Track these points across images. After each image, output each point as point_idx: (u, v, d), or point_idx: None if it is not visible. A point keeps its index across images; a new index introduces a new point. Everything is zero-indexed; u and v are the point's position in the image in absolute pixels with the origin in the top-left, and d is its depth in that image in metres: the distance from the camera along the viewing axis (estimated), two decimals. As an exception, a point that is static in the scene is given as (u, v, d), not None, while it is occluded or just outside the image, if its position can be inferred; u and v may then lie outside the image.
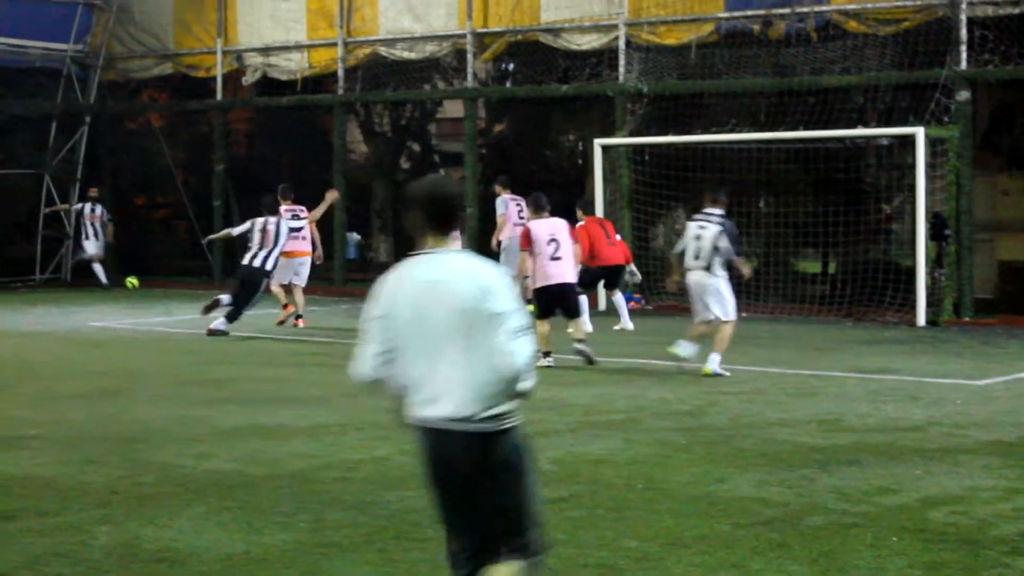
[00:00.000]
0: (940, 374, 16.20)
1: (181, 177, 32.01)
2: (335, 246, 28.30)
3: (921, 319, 21.96)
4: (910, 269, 22.55)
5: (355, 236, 31.05)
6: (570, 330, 17.28)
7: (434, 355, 5.86)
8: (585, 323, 18.21)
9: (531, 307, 16.65)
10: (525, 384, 5.92)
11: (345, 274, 29.05)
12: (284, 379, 15.88)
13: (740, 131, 24.66)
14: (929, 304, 22.13)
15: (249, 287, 20.78)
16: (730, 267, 16.17)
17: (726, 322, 16.03)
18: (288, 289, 22.12)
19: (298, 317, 21.94)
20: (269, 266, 20.93)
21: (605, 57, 26.63)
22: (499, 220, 24.23)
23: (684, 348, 16.11)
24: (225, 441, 11.74)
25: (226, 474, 10.30)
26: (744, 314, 23.76)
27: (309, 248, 22.57)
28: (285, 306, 22.06)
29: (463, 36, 27.76)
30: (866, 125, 24.04)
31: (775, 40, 24.93)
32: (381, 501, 9.37)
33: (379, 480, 10.09)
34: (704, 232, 16.01)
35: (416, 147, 31.66)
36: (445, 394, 5.84)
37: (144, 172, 32.62)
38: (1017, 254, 24.91)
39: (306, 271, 22.51)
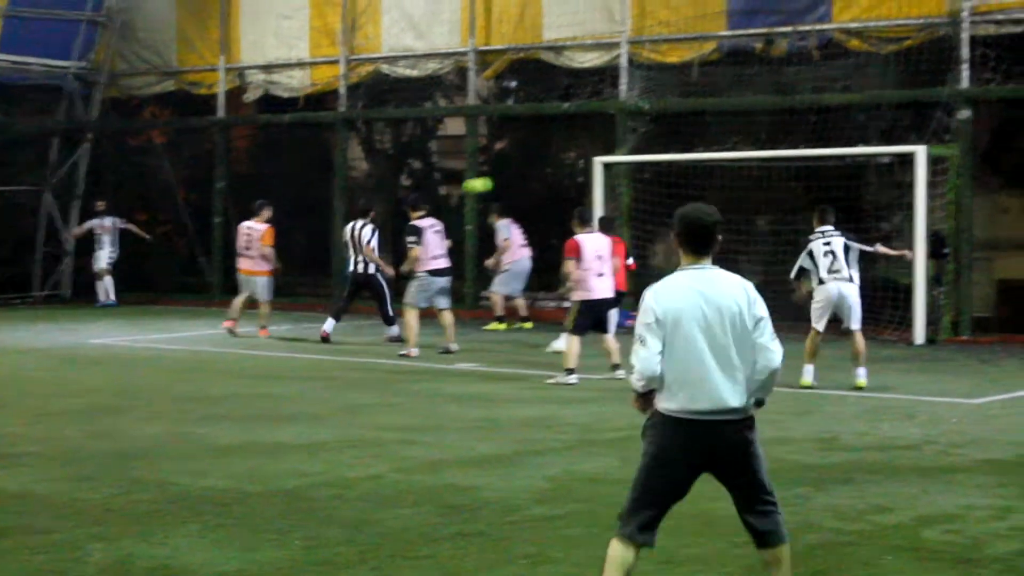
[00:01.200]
0: (937, 392, 16.22)
1: (183, 194, 32.02)
2: (333, 265, 28.33)
3: (919, 337, 21.95)
4: (909, 287, 22.54)
5: None
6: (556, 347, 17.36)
7: (709, 354, 6.71)
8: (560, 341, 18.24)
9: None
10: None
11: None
12: (281, 396, 15.88)
13: (741, 149, 24.69)
14: (928, 322, 22.13)
15: None
16: None
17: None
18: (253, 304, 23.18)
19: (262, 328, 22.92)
20: None
21: (607, 75, 26.66)
22: (503, 244, 24.35)
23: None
24: (221, 459, 11.73)
25: (221, 492, 10.29)
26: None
27: (256, 267, 23.14)
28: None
29: (465, 54, 27.80)
30: (867, 143, 24.06)
31: (777, 58, 24.97)
32: (376, 519, 9.37)
33: (374, 498, 10.08)
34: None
35: (417, 164, 31.64)
36: (721, 388, 6.70)
37: (146, 189, 32.65)
38: (1016, 272, 24.88)
39: (259, 287, 23.17)
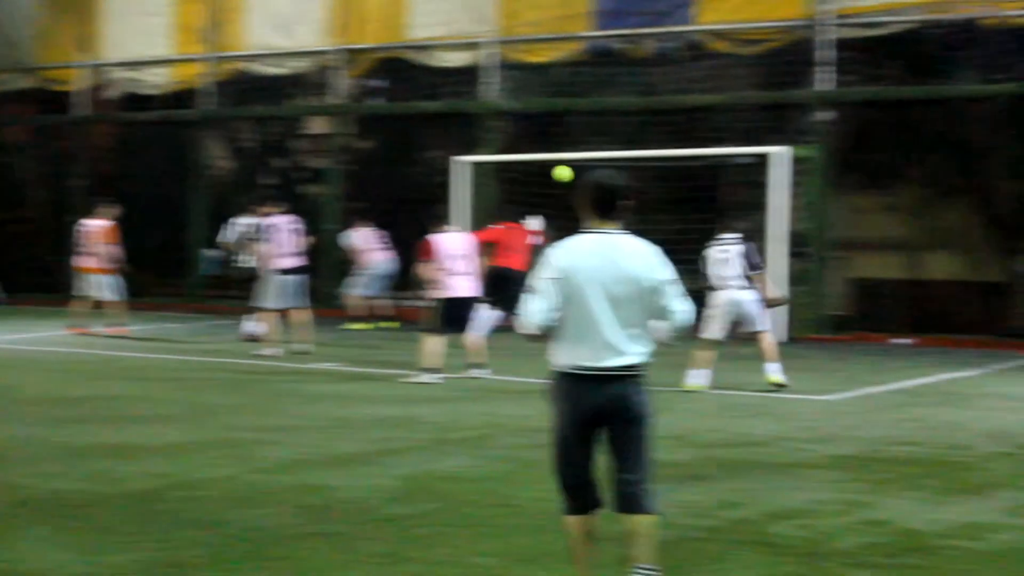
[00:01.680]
0: (791, 390, 16.46)
1: (42, 193, 31.52)
2: (189, 264, 28.14)
3: (780, 335, 22.24)
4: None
5: (211, 253, 30.76)
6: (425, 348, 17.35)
7: (609, 313, 6.88)
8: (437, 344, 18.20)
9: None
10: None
11: (203, 291, 28.84)
12: (135, 397, 15.67)
13: (606, 149, 24.85)
14: (787, 320, 22.43)
15: None
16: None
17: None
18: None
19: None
20: None
21: (473, 74, 26.71)
22: (353, 251, 24.50)
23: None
24: (72, 461, 11.54)
25: (72, 494, 10.13)
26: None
27: (93, 265, 23.18)
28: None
29: (330, 53, 27.67)
30: (730, 144, 24.36)
31: (642, 59, 25.18)
32: (229, 520, 9.28)
33: (228, 499, 9.98)
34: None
35: (281, 163, 31.45)
36: (617, 344, 6.89)
37: (3, 186, 32.10)
38: (872, 272, 25.35)
39: (98, 285, 23.11)
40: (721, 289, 16.70)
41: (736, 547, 8.56)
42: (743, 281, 16.60)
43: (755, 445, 12.45)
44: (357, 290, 24.81)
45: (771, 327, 17.03)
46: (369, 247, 24.74)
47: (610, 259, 6.94)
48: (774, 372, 16.62)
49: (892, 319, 24.27)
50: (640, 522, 6.98)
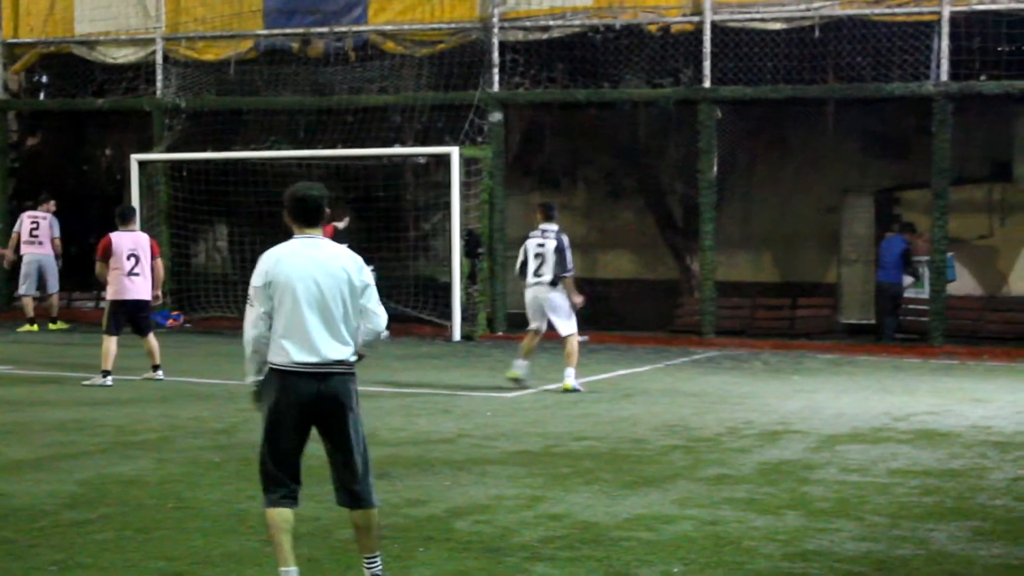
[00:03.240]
0: (472, 387, 16.67)
1: None
2: None
3: (456, 334, 22.51)
4: (447, 285, 23.06)
5: None
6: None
7: (317, 313, 7.26)
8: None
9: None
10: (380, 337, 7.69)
11: None
12: None
13: (279, 148, 24.71)
14: (464, 319, 22.71)
15: None
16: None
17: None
18: None
19: None
20: None
21: (143, 71, 26.20)
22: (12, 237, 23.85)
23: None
24: None
25: None
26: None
27: None
28: None
29: (-11, 46, 26.76)
30: (403, 144, 24.49)
31: (314, 58, 25.10)
32: None
33: None
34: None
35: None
36: (325, 343, 7.26)
37: None
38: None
39: None
40: (528, 286, 16.58)
41: (420, 544, 8.61)
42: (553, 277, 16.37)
43: (439, 442, 12.56)
44: (21, 289, 24.01)
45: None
46: (20, 239, 23.96)
47: (315, 262, 7.35)
48: (569, 377, 16.42)
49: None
50: (365, 516, 7.45)
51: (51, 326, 23.95)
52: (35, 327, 23.68)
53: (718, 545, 8.65)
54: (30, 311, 23.82)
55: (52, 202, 24.18)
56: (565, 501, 9.94)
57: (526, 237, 16.90)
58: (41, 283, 23.98)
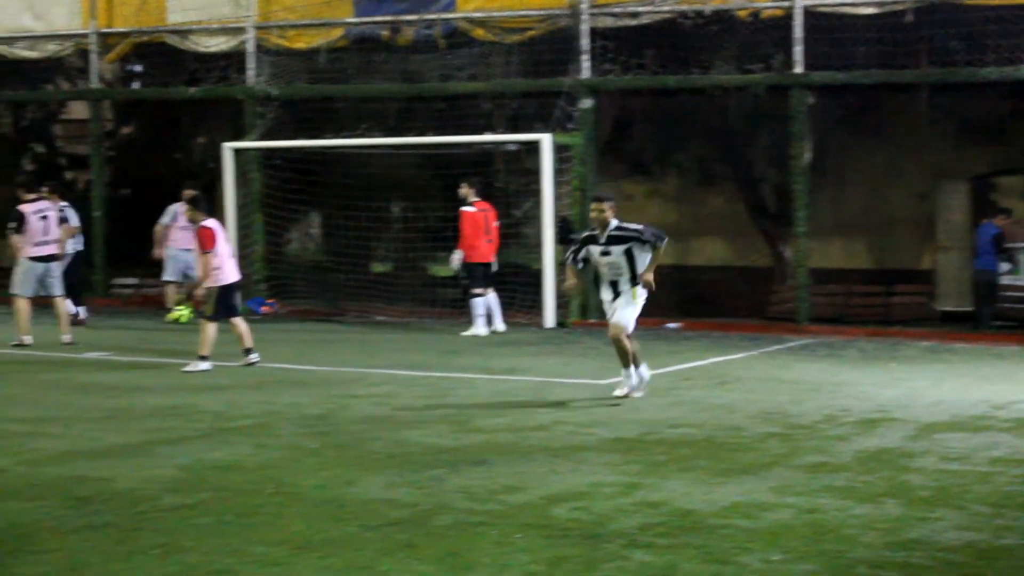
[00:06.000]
0: (566, 374, 16.63)
1: None
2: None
3: (549, 321, 22.48)
4: (539, 272, 23.04)
5: None
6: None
7: None
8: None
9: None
10: None
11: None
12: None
13: (370, 136, 24.79)
14: (557, 306, 22.66)
15: None
16: None
17: None
18: None
19: None
20: None
21: (234, 60, 26.37)
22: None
23: None
24: None
25: None
26: (379, 317, 23.99)
27: None
28: None
29: (86, 35, 27.02)
30: (494, 131, 24.50)
31: (404, 46, 25.15)
32: (-1, 514, 9.05)
33: (-5, 493, 9.73)
34: None
35: (40, 149, 30.60)
36: None
37: None
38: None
39: None
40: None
41: (517, 531, 8.61)
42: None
43: (534, 430, 12.53)
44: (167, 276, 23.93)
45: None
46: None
47: None
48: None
49: (660, 304, 24.63)
50: None
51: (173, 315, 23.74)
52: (181, 315, 23.35)
53: (817, 533, 8.57)
54: (171, 300, 23.75)
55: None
56: (662, 488, 9.89)
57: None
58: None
